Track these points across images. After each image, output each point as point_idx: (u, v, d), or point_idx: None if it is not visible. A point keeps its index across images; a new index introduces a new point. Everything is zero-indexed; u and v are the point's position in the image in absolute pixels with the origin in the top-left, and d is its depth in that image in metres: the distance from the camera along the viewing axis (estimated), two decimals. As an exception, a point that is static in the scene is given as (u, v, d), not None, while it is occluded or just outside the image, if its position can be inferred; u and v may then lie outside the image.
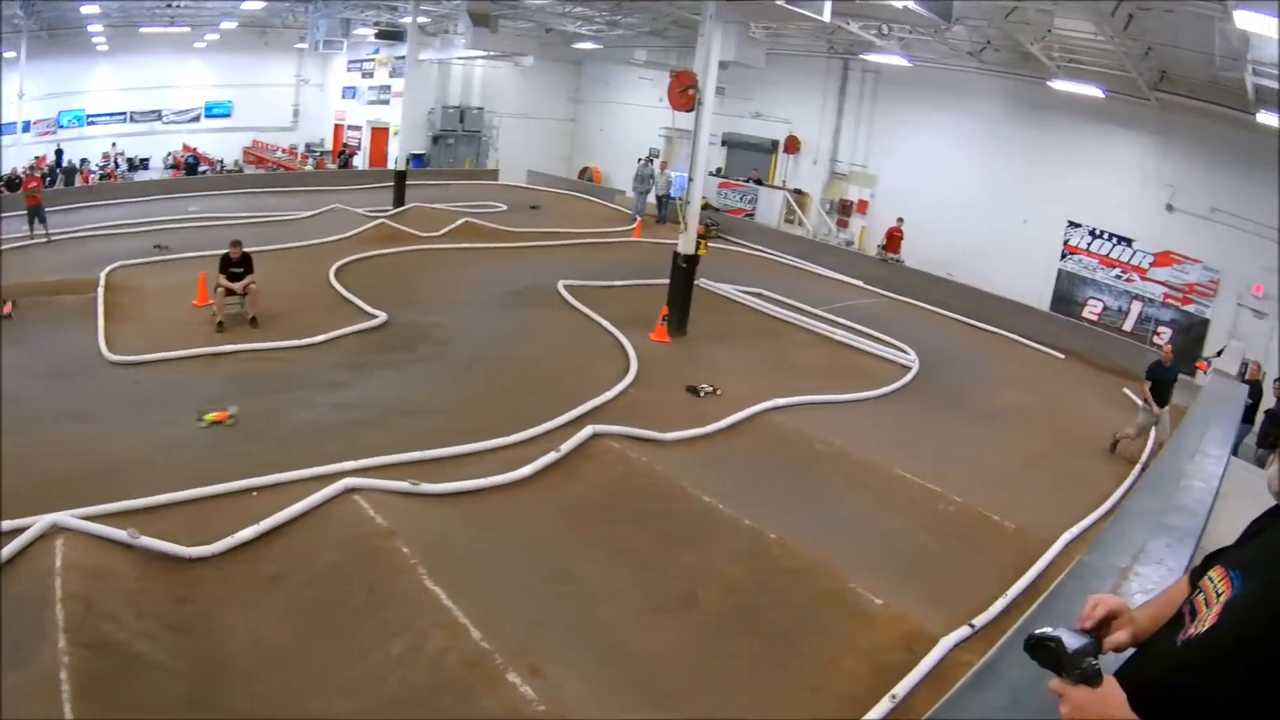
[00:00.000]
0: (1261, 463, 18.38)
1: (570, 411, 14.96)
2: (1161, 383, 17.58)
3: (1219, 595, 2.59)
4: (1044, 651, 2.52)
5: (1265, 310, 26.40)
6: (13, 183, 36.88)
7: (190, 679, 8.06)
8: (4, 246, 24.44)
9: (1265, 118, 22.45)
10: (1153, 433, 17.74)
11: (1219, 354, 22.71)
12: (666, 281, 21.03)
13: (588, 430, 13.89)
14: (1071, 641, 2.50)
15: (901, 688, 8.68)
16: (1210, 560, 2.91)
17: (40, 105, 46.10)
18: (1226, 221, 27.29)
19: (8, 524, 9.69)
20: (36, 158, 44.71)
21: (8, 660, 7.51)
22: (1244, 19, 15.38)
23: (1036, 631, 2.57)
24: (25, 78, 43.63)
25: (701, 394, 17.29)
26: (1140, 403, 17.83)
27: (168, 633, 8.53)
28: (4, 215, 27.08)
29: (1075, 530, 12.74)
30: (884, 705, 8.47)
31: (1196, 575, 2.89)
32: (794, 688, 8.93)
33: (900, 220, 32.58)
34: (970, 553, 12.08)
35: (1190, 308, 28.83)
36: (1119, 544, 5.61)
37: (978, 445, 16.60)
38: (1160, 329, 29.15)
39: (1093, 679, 2.44)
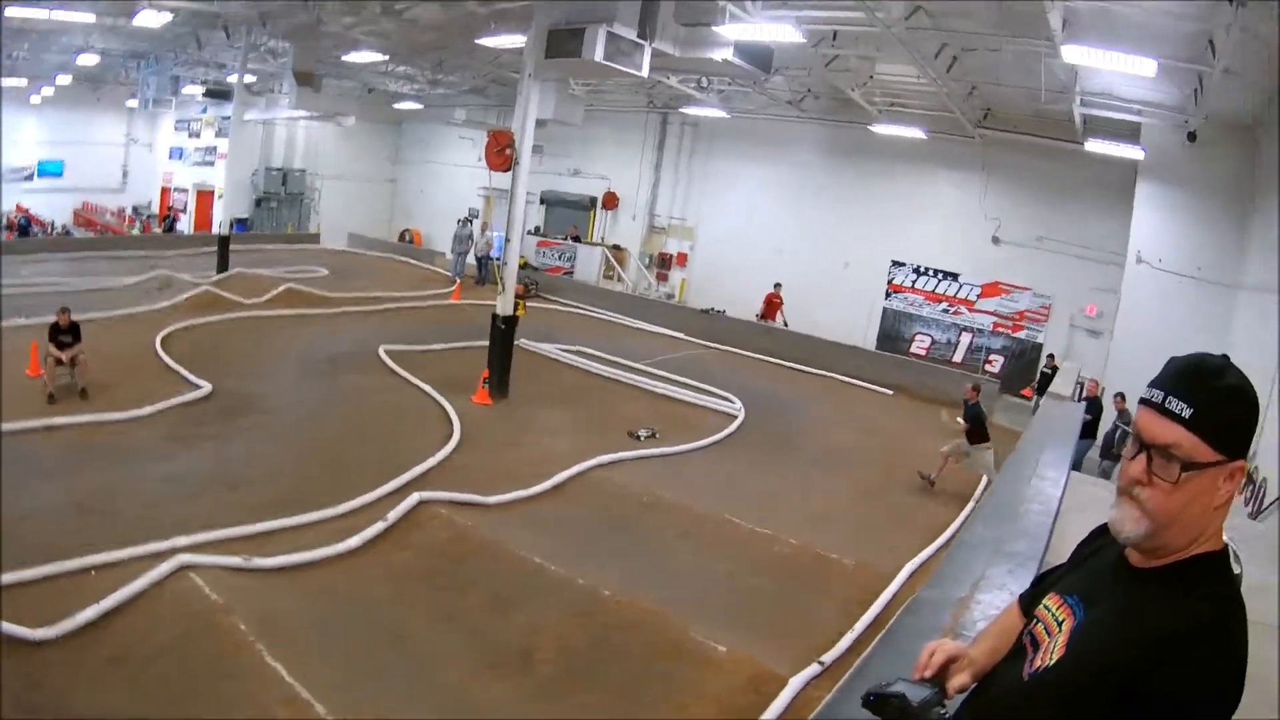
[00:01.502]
0: (1107, 474, 18.91)
1: (396, 479, 14.93)
2: (976, 420, 17.78)
3: (1060, 624, 2.63)
4: (887, 708, 2.54)
5: (1099, 329, 27.20)
6: None
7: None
8: None
9: (1094, 145, 23.39)
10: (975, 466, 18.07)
11: (1046, 372, 24.08)
12: (487, 343, 21.03)
13: (414, 497, 13.86)
14: (914, 694, 2.55)
15: (756, 729, 8.69)
16: (1041, 584, 2.98)
17: None
18: (1054, 249, 28.68)
19: None
20: None
21: None
22: (1073, 53, 16.03)
23: (875, 688, 2.59)
24: None
25: (642, 437, 18.16)
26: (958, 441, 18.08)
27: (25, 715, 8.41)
28: None
29: (916, 561, 12.97)
30: (739, 751, 8.48)
31: (1029, 602, 2.92)
32: (641, 739, 8.93)
33: (778, 286, 32.32)
34: (810, 592, 12.24)
35: (1021, 334, 29.96)
36: (957, 575, 5.71)
37: (810, 486, 16.84)
38: (992, 357, 30.20)
39: None
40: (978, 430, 17.62)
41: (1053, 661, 2.54)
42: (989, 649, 2.93)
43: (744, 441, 19.16)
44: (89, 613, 9.95)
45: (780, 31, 19.27)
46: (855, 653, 10.12)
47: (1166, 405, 2.39)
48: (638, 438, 18.49)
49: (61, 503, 13.41)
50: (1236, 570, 2.65)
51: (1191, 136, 20.97)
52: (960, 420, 18.15)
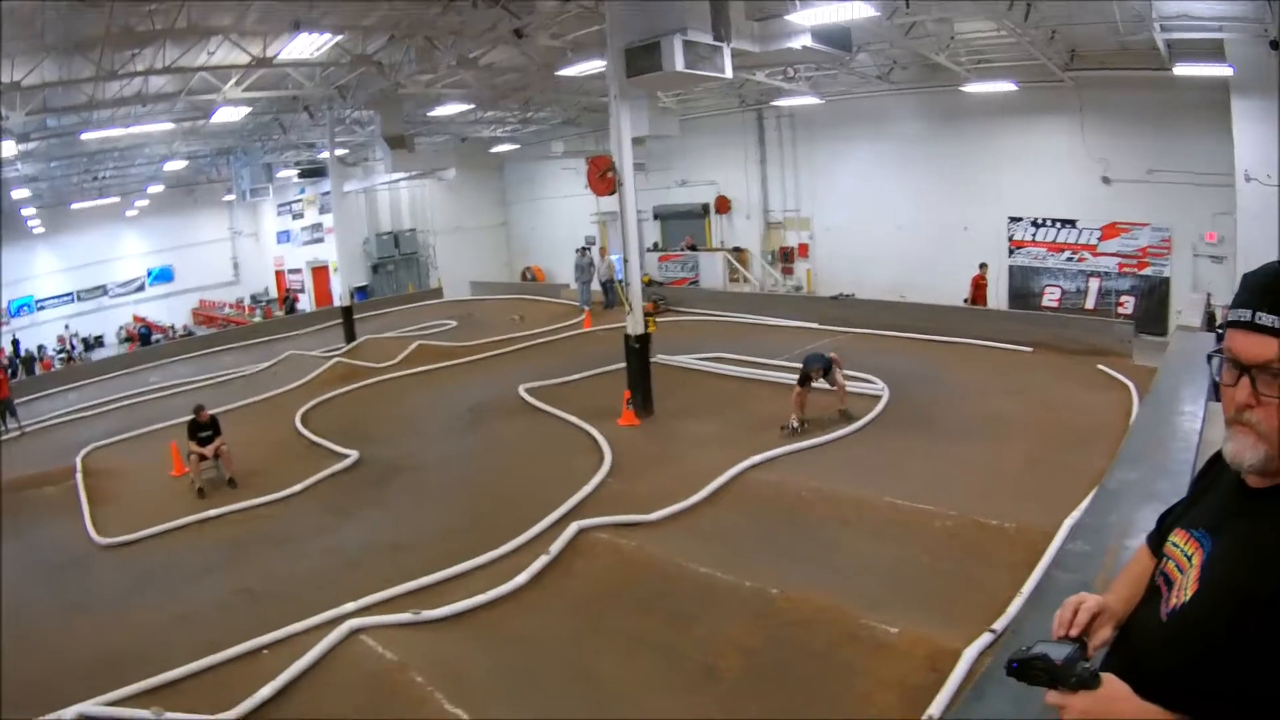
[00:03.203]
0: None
1: (553, 513, 14.90)
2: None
3: (1189, 559, 2.58)
4: (1032, 671, 2.48)
5: (1222, 254, 26.63)
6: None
7: None
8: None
9: (1182, 69, 22.95)
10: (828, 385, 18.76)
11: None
12: (624, 365, 21.05)
13: (573, 527, 13.83)
14: (1056, 653, 2.47)
15: (936, 707, 8.66)
16: (1165, 522, 2.91)
17: (-14, 297, 45.96)
18: (1165, 179, 27.82)
19: (28, 724, 9.68)
20: (-6, 350, 44.57)
21: None
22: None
23: (1016, 654, 2.54)
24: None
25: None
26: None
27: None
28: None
29: (1076, 514, 12.23)
30: (922, 729, 8.44)
31: (1157, 541, 2.86)
32: (831, 733, 8.87)
33: (984, 266, 31.33)
34: (976, 561, 12.05)
35: (1148, 271, 29.17)
36: (1104, 525, 5.60)
37: (963, 456, 16.50)
38: (1123, 299, 29.52)
39: (1090, 682, 2.39)
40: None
41: (1188, 598, 2.49)
42: (1124, 596, 2.89)
43: (891, 421, 18.88)
44: (266, 690, 10.05)
45: (852, 9, 19.13)
46: (1028, 615, 9.98)
47: (1257, 321, 2.32)
48: (794, 430, 18.38)
49: (227, 592, 13.72)
50: None
51: (1274, 45, 20.30)
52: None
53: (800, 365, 18.72)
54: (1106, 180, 29.36)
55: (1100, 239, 30.14)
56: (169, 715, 9.70)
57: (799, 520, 14.07)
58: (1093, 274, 30.53)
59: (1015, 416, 18.56)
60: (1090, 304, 30.44)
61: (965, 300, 30.56)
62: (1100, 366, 21.36)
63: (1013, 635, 4.60)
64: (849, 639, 10.17)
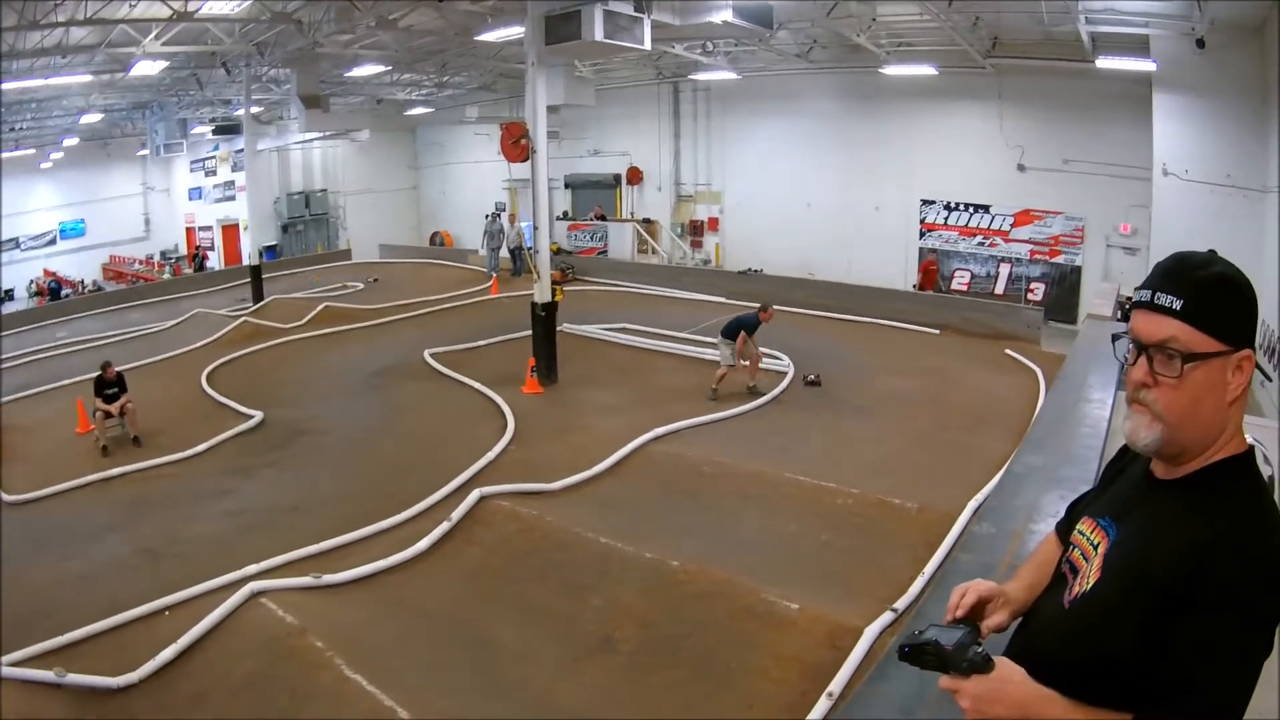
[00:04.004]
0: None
1: (455, 479, 14.96)
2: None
3: (1095, 547, 2.61)
4: (923, 656, 2.50)
5: (1135, 245, 27.03)
6: None
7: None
8: None
9: (1105, 62, 23.15)
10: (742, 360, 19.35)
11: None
12: (530, 333, 21.10)
13: (475, 494, 13.89)
14: (947, 638, 2.49)
15: (836, 684, 8.78)
16: (1075, 511, 2.96)
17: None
18: (1081, 170, 28.05)
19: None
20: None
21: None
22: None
23: (907, 639, 2.56)
24: None
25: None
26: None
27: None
28: None
29: (979, 498, 12.68)
30: (822, 705, 8.55)
31: (1065, 530, 2.90)
32: (728, 707, 9.03)
33: (933, 253, 32.00)
34: (877, 540, 12.19)
35: (1059, 259, 29.46)
36: (1010, 508, 5.69)
37: (866, 435, 16.73)
38: (1033, 285, 29.79)
39: (982, 666, 2.40)
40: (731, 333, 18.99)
41: (1090, 586, 2.53)
42: (1027, 584, 2.93)
43: (796, 398, 19.13)
44: (167, 653, 10.06)
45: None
46: (928, 595, 9.97)
47: (1156, 301, 2.37)
48: (813, 382, 19.35)
49: (129, 552, 13.60)
50: (1266, 472, 2.61)
51: (1200, 43, 20.47)
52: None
53: (725, 334, 19.17)
54: (1022, 168, 29.54)
55: (1013, 225, 30.37)
56: (71, 676, 9.68)
57: (700, 493, 14.22)
58: (1004, 259, 30.76)
59: (920, 397, 18.91)
60: (1000, 289, 30.65)
61: (914, 286, 30.84)
62: (1008, 351, 21.78)
63: (916, 616, 4.67)
64: (748, 613, 10.28)
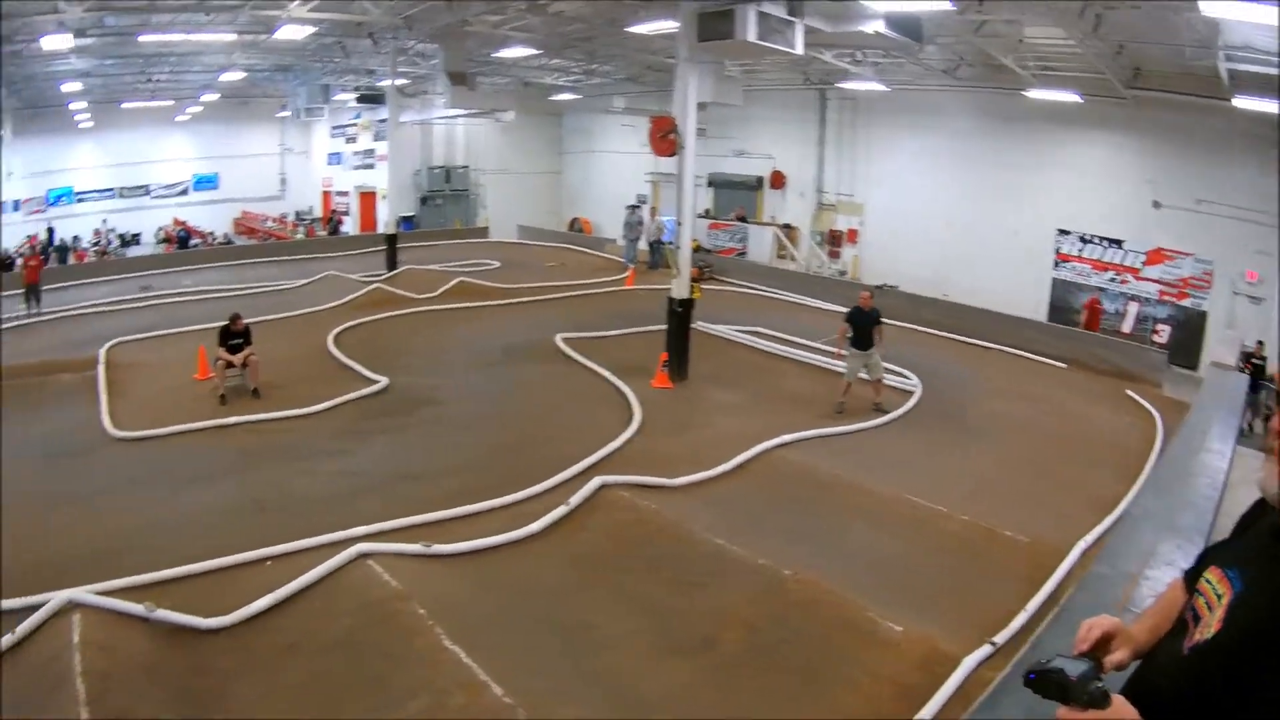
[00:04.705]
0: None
1: (577, 464, 14.94)
2: (858, 326, 19.15)
3: (1220, 597, 2.56)
4: (1047, 684, 2.51)
5: (1261, 295, 26.35)
6: (3, 263, 37.06)
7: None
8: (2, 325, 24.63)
9: (1241, 102, 22.52)
10: (868, 375, 19.22)
11: (1256, 362, 22.88)
12: (663, 327, 21.04)
13: (596, 481, 13.85)
14: (1072, 669, 2.50)
15: (927, 711, 8.65)
16: (1205, 559, 2.89)
17: (26, 184, 46.47)
18: (1213, 211, 27.31)
19: (20, 602, 9.81)
20: (29, 237, 45.29)
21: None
22: (1210, 7, 15.45)
23: (1034, 665, 2.57)
24: (10, 157, 43.65)
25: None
26: (834, 349, 19.70)
27: (186, 704, 8.54)
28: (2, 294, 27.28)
29: (1090, 538, 12.61)
30: (913, 731, 8.42)
31: (1192, 577, 2.85)
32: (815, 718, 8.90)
33: (1100, 291, 31.19)
34: (985, 569, 12.03)
35: (1186, 302, 28.74)
36: (1127, 550, 5.60)
37: (983, 462, 16.53)
38: (1159, 326, 29.12)
39: (1100, 701, 2.42)
40: (860, 337, 18.96)
41: (1210, 635, 2.49)
42: (1150, 626, 2.92)
43: (920, 418, 18.99)
44: (264, 601, 10.14)
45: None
46: (1028, 631, 9.99)
47: None
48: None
49: (235, 500, 13.79)
50: None
51: (1340, 89, 20.11)
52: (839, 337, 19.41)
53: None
54: (1156, 204, 28.90)
55: (1144, 263, 29.72)
56: (161, 612, 9.73)
57: (816, 504, 14.10)
58: (1133, 298, 30.10)
59: (1038, 428, 18.66)
60: (1127, 327, 29.96)
61: (1080, 325, 30.08)
62: (1129, 392, 21.37)
63: (1029, 649, 4.59)
64: (851, 628, 10.15)
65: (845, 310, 19.72)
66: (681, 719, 8.77)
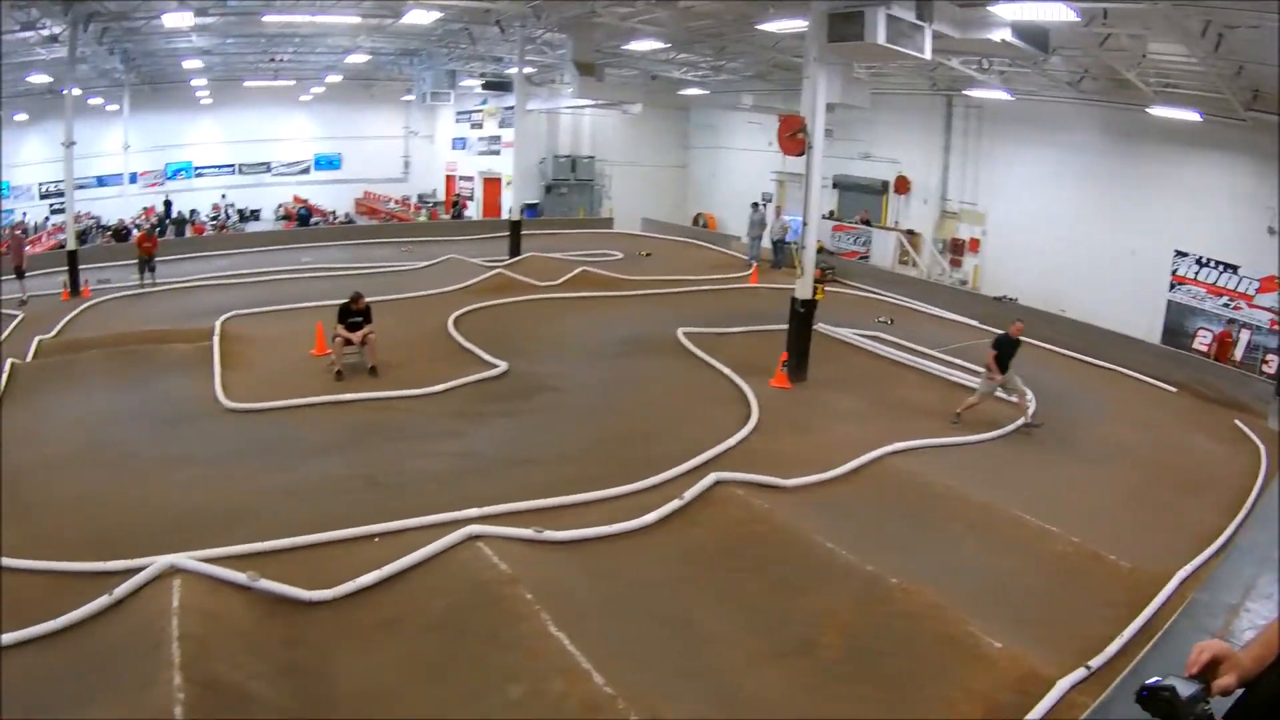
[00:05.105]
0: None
1: (692, 459, 14.99)
2: (1003, 354, 18.91)
3: None
4: (1158, 702, 2.59)
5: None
6: (120, 233, 37.70)
7: (301, 721, 8.19)
8: (115, 295, 25.21)
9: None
10: (1008, 395, 19.27)
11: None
12: (784, 327, 21.03)
13: (711, 478, 13.85)
14: (1183, 690, 2.58)
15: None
16: None
17: (146, 157, 47.50)
18: (1327, 242, 26.54)
19: (123, 563, 10.07)
20: (144, 209, 46.03)
21: (119, 696, 7.77)
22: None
23: (1149, 682, 2.64)
24: (129, 130, 44.84)
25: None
26: (984, 371, 19.11)
27: (282, 674, 8.69)
28: (113, 265, 27.80)
29: (1189, 568, 12.46)
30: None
31: None
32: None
33: (1230, 323, 30.43)
34: (1085, 592, 11.95)
35: (1297, 333, 28.06)
36: (1230, 581, 5.62)
37: (1090, 482, 16.38)
38: (1269, 357, 28.32)
39: None
40: (1002, 361, 18.89)
41: None
42: (1256, 655, 2.94)
43: (1032, 434, 18.85)
44: (369, 576, 10.31)
45: (1053, 10, 19.27)
46: (1123, 657, 9.89)
47: None
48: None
49: (346, 475, 14.08)
50: None
51: None
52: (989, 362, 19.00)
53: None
54: (1272, 231, 28.24)
55: (1258, 290, 29.05)
56: (263, 582, 9.91)
57: (927, 514, 14.08)
58: (1245, 325, 29.45)
59: (1144, 452, 18.44)
60: (1238, 355, 29.26)
61: (1210, 356, 29.25)
62: (1237, 421, 21.07)
63: (1132, 673, 4.63)
64: (951, 642, 10.14)
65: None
66: (775, 720, 8.77)
